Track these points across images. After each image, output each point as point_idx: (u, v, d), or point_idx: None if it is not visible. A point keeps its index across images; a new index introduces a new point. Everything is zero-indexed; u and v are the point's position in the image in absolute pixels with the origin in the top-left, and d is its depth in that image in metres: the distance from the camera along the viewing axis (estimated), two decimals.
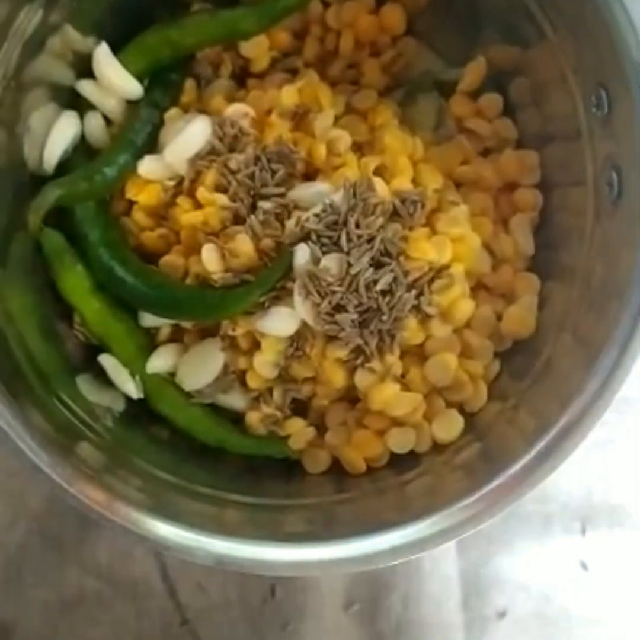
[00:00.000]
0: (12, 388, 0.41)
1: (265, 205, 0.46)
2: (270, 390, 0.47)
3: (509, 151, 0.51)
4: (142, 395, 0.48)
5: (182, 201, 0.48)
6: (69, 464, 0.40)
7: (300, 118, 0.49)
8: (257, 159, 0.47)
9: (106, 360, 0.48)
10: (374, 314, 0.45)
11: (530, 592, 0.55)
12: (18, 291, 0.46)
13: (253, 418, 0.48)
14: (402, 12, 0.52)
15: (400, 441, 0.46)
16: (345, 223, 0.44)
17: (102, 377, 0.48)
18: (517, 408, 0.46)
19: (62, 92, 0.49)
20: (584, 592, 0.55)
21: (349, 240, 0.44)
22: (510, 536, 0.55)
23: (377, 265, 0.45)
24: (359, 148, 0.49)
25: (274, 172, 0.46)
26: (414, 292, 0.45)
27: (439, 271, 0.46)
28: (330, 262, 0.44)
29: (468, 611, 0.55)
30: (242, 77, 0.53)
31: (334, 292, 0.44)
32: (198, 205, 0.48)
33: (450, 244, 0.46)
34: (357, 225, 0.44)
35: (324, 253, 0.44)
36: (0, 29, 0.44)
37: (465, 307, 0.46)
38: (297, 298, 0.44)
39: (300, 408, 0.49)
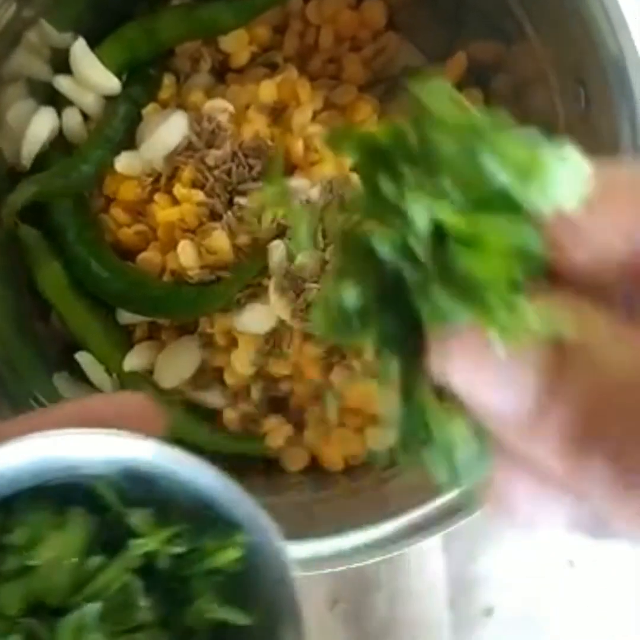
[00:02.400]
0: None
1: (241, 201, 0.45)
2: (247, 388, 0.47)
3: None
4: None
5: (159, 197, 0.47)
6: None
7: (278, 113, 0.48)
8: (234, 154, 0.46)
9: (83, 358, 0.48)
10: None
11: (516, 590, 0.55)
12: None
13: (230, 416, 0.47)
14: (383, 7, 0.52)
15: (378, 438, 0.46)
16: (321, 219, 0.44)
17: (79, 375, 0.48)
18: None
19: (40, 87, 0.49)
20: (571, 589, 0.55)
21: (324, 236, 0.44)
22: (497, 534, 0.55)
23: None
24: None
25: (251, 168, 0.46)
26: None
27: None
28: (307, 259, 0.44)
29: (454, 610, 0.55)
30: (222, 72, 0.52)
31: (310, 289, 0.43)
32: (175, 202, 0.47)
33: None
34: (333, 222, 0.44)
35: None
36: None
37: None
38: (273, 295, 0.44)
39: (278, 406, 0.48)
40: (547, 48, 0.45)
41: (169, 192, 0.47)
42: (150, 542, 0.25)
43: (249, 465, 0.48)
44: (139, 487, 0.26)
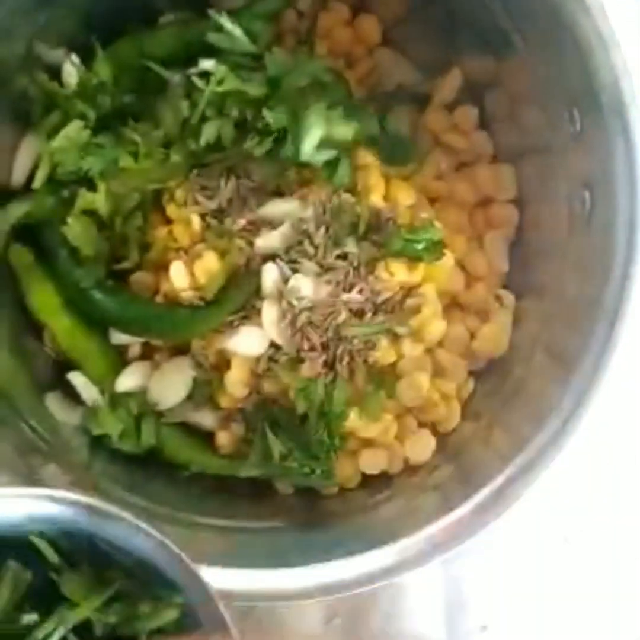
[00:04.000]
0: None
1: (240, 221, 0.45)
2: (240, 409, 0.47)
3: (485, 166, 0.50)
4: None
5: (152, 217, 0.47)
6: (33, 487, 0.40)
7: None
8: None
9: (76, 378, 0.48)
10: (344, 334, 0.44)
11: (511, 608, 0.55)
12: None
13: (223, 438, 0.47)
14: (377, 23, 0.51)
15: (371, 462, 0.46)
16: (314, 242, 0.44)
17: (72, 395, 0.48)
18: (491, 427, 0.45)
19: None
20: (566, 606, 0.55)
21: (318, 259, 0.44)
22: (492, 552, 0.55)
23: (347, 284, 0.44)
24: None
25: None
26: (384, 312, 0.44)
27: (409, 291, 0.45)
28: (299, 282, 0.43)
29: (451, 625, 0.55)
30: None
31: (302, 312, 0.43)
32: (168, 222, 0.47)
33: (422, 263, 0.45)
34: (327, 244, 0.44)
35: (293, 272, 0.44)
36: None
37: (436, 327, 0.45)
38: (266, 318, 0.43)
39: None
40: (540, 67, 0.45)
41: (161, 211, 0.47)
42: (84, 610, 0.25)
43: (241, 487, 0.47)
44: (78, 545, 0.26)
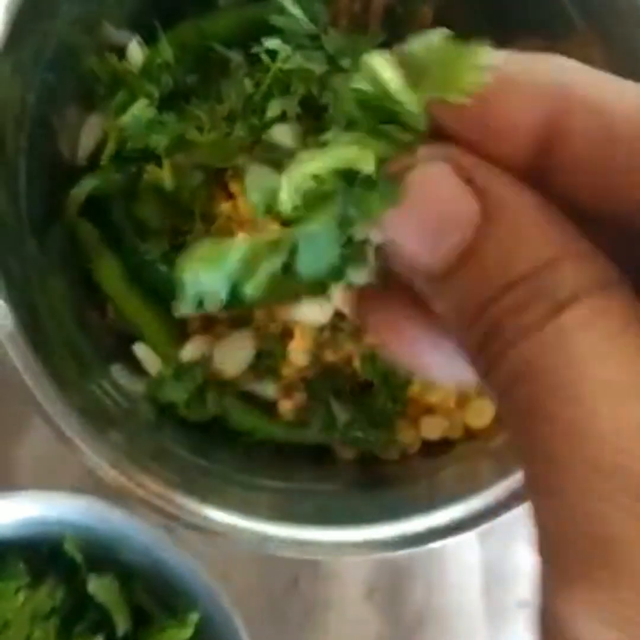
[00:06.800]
0: (58, 374, 0.42)
1: None
2: (302, 378, 0.48)
3: None
4: None
5: (215, 192, 0.48)
6: (107, 448, 0.41)
7: None
8: None
9: (140, 349, 0.49)
10: None
11: None
12: (55, 280, 0.47)
13: (285, 406, 0.48)
14: (429, 5, 0.53)
15: (433, 428, 0.47)
16: None
17: (136, 366, 0.49)
18: None
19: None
20: None
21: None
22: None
23: None
24: None
25: None
26: None
27: None
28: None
29: (489, 600, 0.55)
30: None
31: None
32: (230, 197, 0.48)
33: None
34: None
35: None
36: (35, 21, 0.44)
37: None
38: (335, 288, 0.44)
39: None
40: (598, 45, 0.45)
41: (224, 185, 0.49)
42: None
43: (302, 453, 0.49)
44: (101, 552, 0.27)
